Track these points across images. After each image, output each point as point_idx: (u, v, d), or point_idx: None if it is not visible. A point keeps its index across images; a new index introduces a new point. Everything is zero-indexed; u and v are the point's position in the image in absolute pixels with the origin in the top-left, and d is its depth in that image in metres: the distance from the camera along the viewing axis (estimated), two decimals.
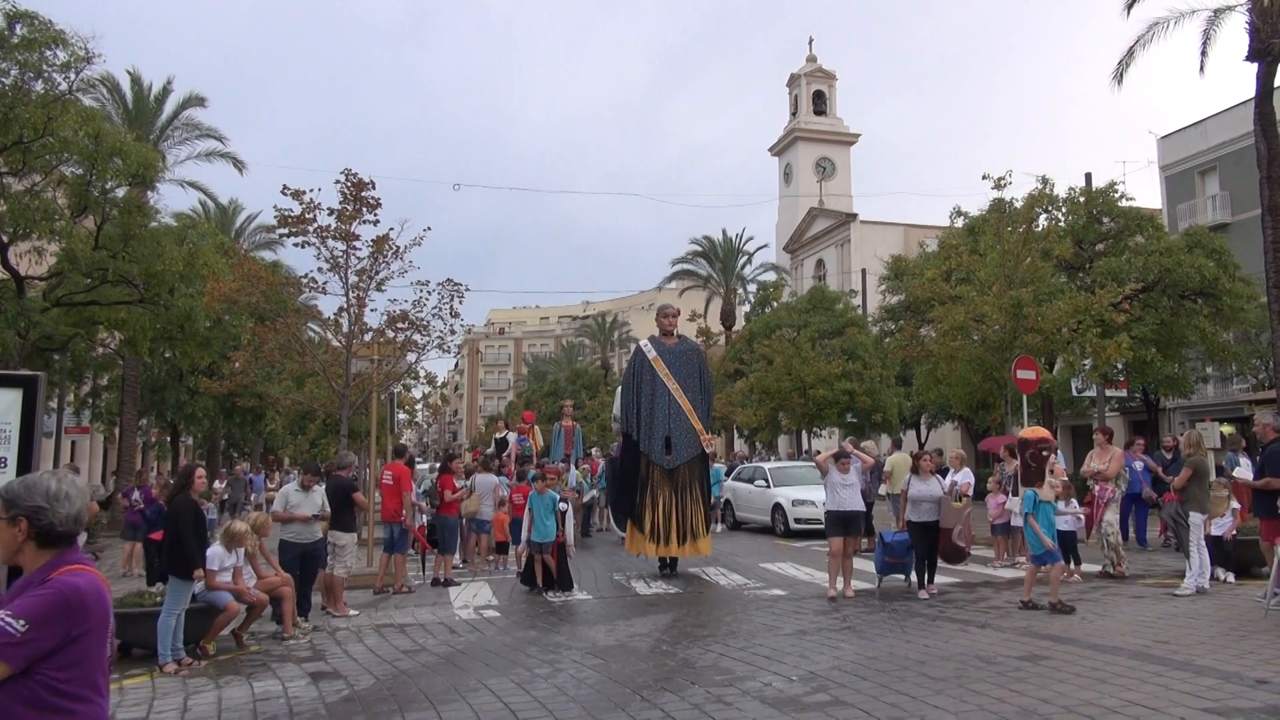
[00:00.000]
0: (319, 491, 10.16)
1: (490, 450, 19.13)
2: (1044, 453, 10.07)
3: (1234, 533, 11.02)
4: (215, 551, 8.66)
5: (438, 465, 14.46)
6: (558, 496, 11.92)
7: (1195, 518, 10.10)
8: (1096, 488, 11.96)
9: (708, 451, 13.29)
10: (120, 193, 18.20)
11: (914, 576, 10.93)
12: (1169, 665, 6.86)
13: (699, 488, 12.89)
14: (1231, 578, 10.84)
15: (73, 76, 16.08)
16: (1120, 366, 22.25)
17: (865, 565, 13.57)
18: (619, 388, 14.54)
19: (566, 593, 11.35)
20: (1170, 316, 22.74)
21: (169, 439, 33.16)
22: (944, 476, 14.15)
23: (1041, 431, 10.78)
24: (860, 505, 10.96)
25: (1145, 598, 10.04)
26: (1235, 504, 11.19)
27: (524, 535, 11.87)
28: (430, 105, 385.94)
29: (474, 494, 13.86)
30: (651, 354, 13.18)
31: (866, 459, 12.45)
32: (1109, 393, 24.96)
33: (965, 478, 13.45)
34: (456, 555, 13.60)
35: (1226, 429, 15.24)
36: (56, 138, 15.68)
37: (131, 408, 25.03)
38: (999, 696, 6.11)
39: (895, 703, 6.04)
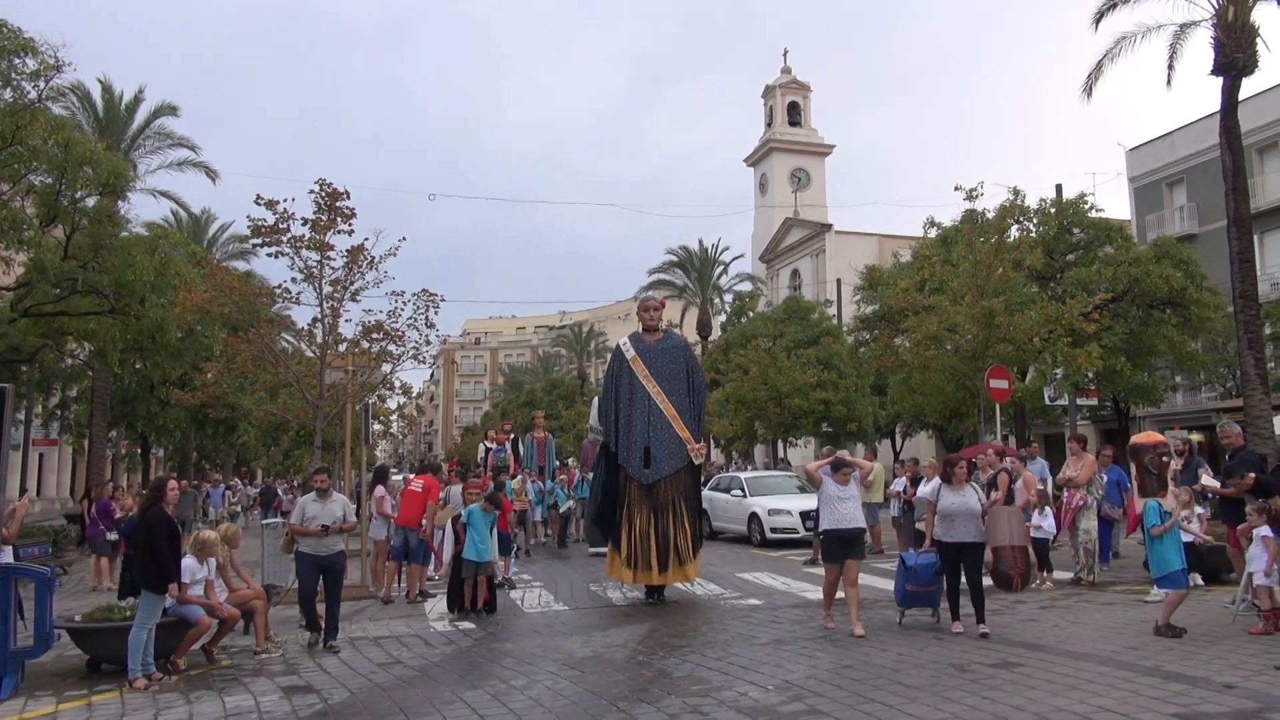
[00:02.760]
0: (339, 500, 9.47)
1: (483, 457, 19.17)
2: (1165, 458, 8.93)
3: (1204, 538, 11.15)
4: (187, 564, 8.54)
5: (411, 477, 14.32)
6: (495, 517, 11.27)
7: None
8: (1065, 494, 12.07)
9: (696, 462, 11.62)
10: (90, 202, 17.99)
11: (944, 608, 9.11)
12: (1138, 671, 6.93)
13: (684, 504, 11.27)
14: (1199, 581, 10.97)
15: (42, 85, 15.87)
16: (1091, 375, 22.51)
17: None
18: (596, 397, 14.24)
19: (493, 616, 10.70)
20: (1139, 326, 23.09)
21: (140, 451, 32.79)
22: (915, 485, 14.26)
23: (1156, 436, 9.63)
24: (862, 521, 9.21)
25: (1116, 604, 10.15)
26: (1200, 509, 11.31)
27: (447, 551, 11.21)
28: (406, 114, 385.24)
29: (448, 505, 13.76)
30: (630, 353, 11.66)
31: (866, 465, 10.69)
32: (1080, 401, 25.24)
33: (936, 486, 13.53)
34: (431, 567, 13.53)
35: (1195, 437, 15.41)
36: (25, 146, 15.47)
37: (101, 419, 24.73)
38: (972, 704, 6.15)
39: (870, 711, 6.07)
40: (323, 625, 9.22)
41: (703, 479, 22.15)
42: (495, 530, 11.62)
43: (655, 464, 11.22)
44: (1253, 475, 9.14)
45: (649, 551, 11.01)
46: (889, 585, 11.97)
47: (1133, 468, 10.27)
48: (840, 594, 9.31)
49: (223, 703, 7.07)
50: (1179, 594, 8.33)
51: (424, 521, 12.25)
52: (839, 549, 8.95)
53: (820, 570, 13.93)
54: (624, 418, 11.51)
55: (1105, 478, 12.27)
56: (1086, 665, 7.18)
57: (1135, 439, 9.96)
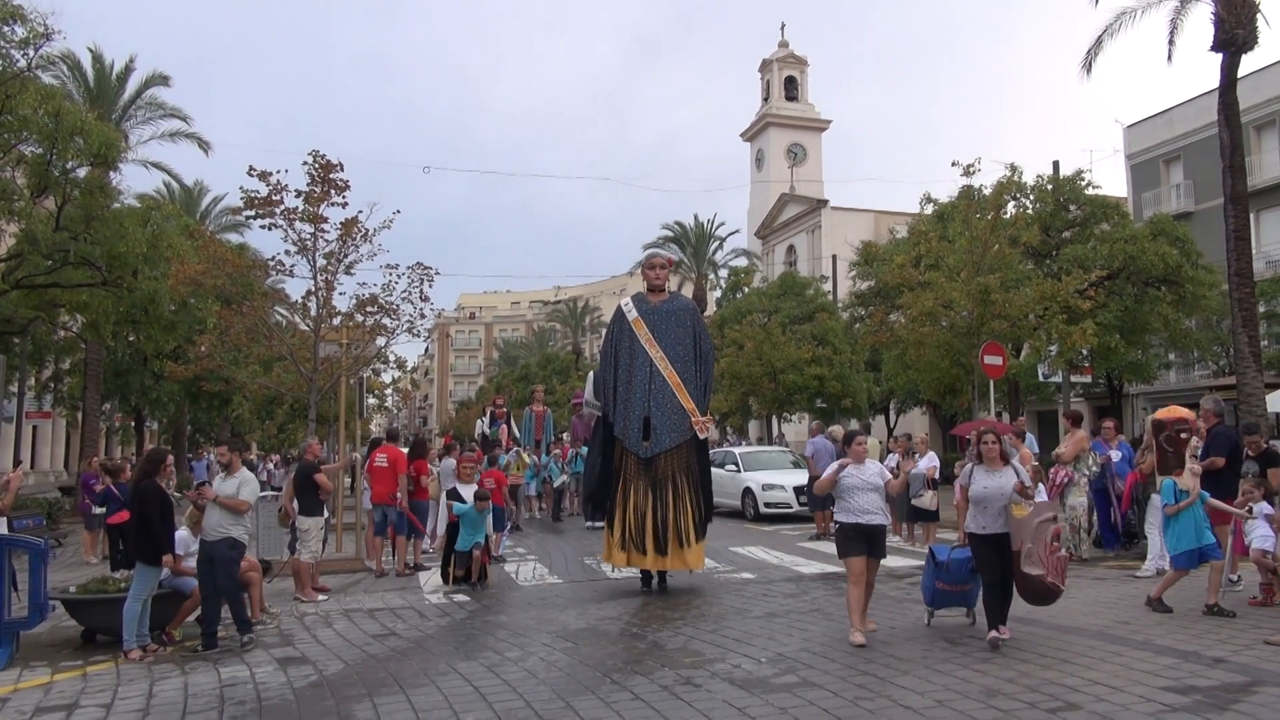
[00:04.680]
0: (238, 477, 8.35)
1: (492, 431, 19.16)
2: (1182, 435, 8.49)
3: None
4: (181, 536, 8.55)
5: (406, 450, 14.31)
6: (489, 490, 11.33)
7: (1156, 500, 10.26)
8: (1053, 470, 12.08)
9: (701, 437, 10.53)
10: (81, 173, 17.85)
11: (980, 609, 7.64)
12: (1129, 645, 6.98)
13: (686, 482, 10.26)
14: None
15: (31, 53, 15.69)
16: (1085, 352, 22.57)
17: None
18: (591, 372, 13.96)
19: (484, 586, 10.83)
20: (1134, 303, 23.12)
21: (133, 424, 32.72)
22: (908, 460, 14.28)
23: (1180, 411, 9.14)
24: (885, 516, 7.72)
25: (1106, 579, 10.22)
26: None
27: (441, 524, 11.23)
28: (400, 86, 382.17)
29: (436, 480, 13.75)
30: (632, 314, 10.65)
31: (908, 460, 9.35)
32: (1074, 378, 25.31)
33: (930, 462, 13.58)
34: (426, 540, 13.56)
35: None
36: (15, 116, 15.32)
37: (95, 392, 24.67)
38: (963, 677, 6.20)
39: (862, 683, 6.11)
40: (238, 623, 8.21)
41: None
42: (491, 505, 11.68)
43: (655, 436, 10.25)
44: (1264, 443, 9.20)
45: (644, 533, 10.05)
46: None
47: (1153, 443, 10.21)
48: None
49: (218, 674, 7.10)
50: (1178, 574, 8.21)
51: (398, 495, 12.21)
52: (862, 542, 7.49)
53: (821, 546, 14.06)
54: (623, 385, 10.51)
55: (1119, 453, 12.16)
56: (1077, 639, 7.23)
57: (1157, 414, 9.76)
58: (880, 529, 7.58)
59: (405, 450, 13.12)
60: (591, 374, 13.15)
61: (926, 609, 8.06)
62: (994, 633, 7.08)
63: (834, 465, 7.83)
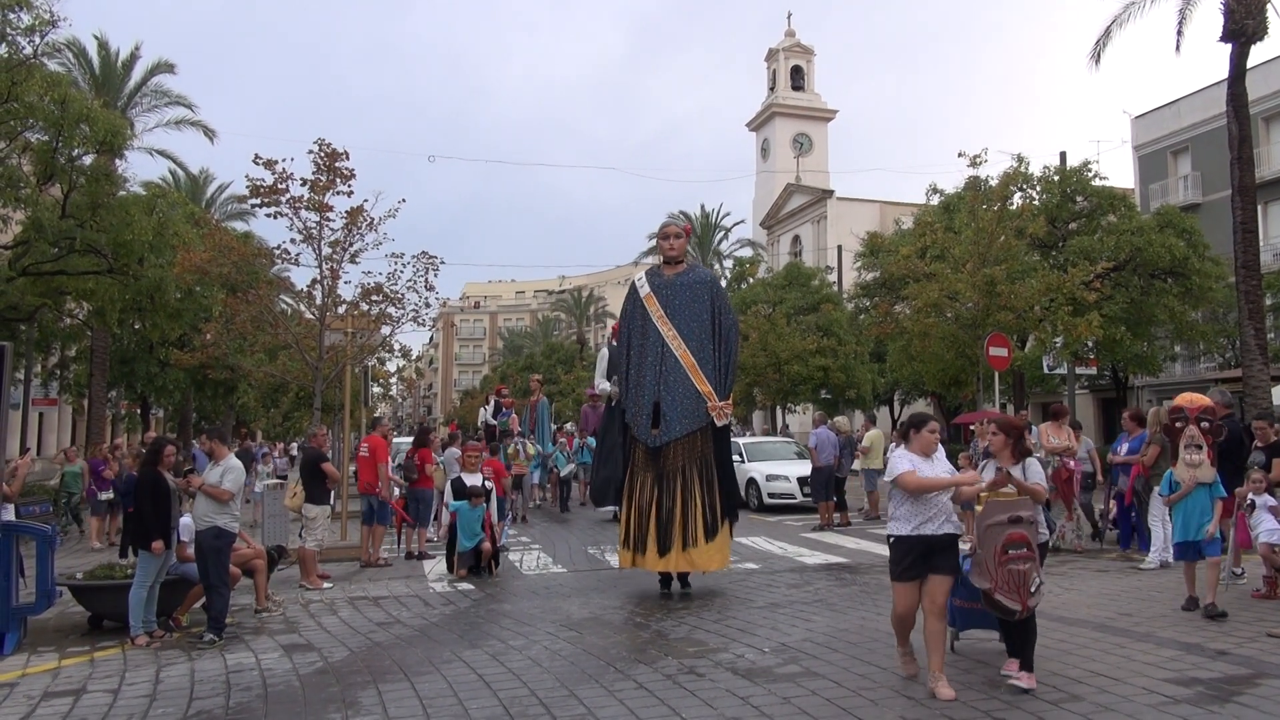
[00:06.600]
0: (223, 465, 8.16)
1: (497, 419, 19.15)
2: (1177, 424, 7.86)
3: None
4: (187, 523, 8.57)
5: (411, 439, 14.35)
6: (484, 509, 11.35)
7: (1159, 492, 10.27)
8: (1072, 463, 12.04)
9: (719, 424, 9.43)
10: (87, 160, 17.87)
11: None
12: (1132, 637, 6.99)
13: (697, 475, 9.21)
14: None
15: (37, 40, 15.72)
16: (1091, 344, 22.52)
17: (845, 540, 13.69)
18: (601, 349, 13.69)
19: (490, 575, 10.88)
20: (1140, 295, 23.06)
21: (139, 411, 32.83)
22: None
23: (1187, 398, 8.28)
24: (955, 523, 5.90)
25: (1110, 571, 10.22)
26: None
27: (443, 513, 11.46)
28: (405, 75, 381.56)
29: (440, 469, 13.79)
30: (644, 290, 9.63)
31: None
32: (1079, 370, 25.26)
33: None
34: (430, 528, 13.62)
35: None
36: (21, 103, 15.33)
37: (100, 379, 24.74)
38: (966, 668, 6.21)
39: (865, 673, 6.13)
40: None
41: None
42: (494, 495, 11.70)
43: (665, 424, 9.24)
44: (1273, 434, 9.20)
45: (647, 530, 9.18)
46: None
47: (1157, 435, 10.18)
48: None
49: (224, 660, 7.14)
50: (1187, 567, 7.96)
51: (380, 485, 12.25)
52: (920, 561, 5.72)
53: (824, 537, 14.07)
54: (634, 368, 9.57)
55: (1127, 447, 12.12)
56: (1080, 631, 7.24)
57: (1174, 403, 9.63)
58: (949, 539, 5.77)
59: (384, 438, 13.14)
60: (603, 350, 12.80)
61: (950, 630, 6.55)
62: (1010, 675, 5.76)
63: (907, 471, 5.79)
